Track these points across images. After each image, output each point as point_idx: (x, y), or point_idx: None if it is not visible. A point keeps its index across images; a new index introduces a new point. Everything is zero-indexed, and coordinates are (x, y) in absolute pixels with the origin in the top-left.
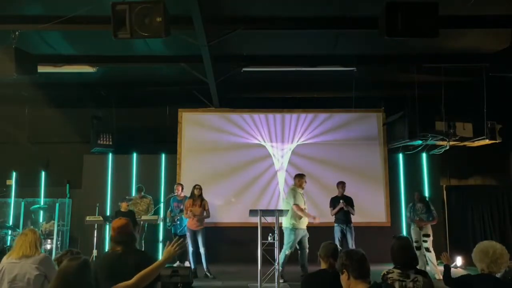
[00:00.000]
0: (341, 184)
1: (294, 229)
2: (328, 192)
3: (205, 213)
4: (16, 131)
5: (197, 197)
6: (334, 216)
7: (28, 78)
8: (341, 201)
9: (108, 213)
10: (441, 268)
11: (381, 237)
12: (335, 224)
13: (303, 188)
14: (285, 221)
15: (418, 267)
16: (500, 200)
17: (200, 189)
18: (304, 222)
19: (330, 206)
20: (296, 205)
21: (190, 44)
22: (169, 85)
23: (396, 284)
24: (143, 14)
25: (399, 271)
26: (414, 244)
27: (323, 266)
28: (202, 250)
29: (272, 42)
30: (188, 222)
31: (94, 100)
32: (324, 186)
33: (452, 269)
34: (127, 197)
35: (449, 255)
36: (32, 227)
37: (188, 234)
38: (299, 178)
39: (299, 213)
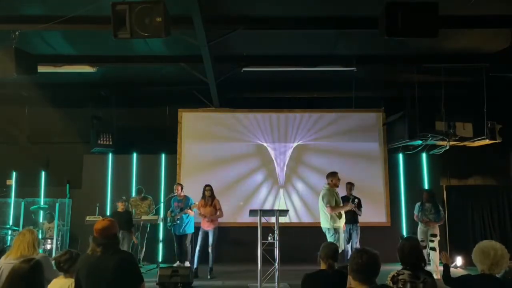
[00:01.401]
0: (350, 185)
1: (334, 228)
2: None
3: (218, 213)
4: (16, 131)
5: (208, 197)
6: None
7: (28, 78)
8: (354, 202)
9: (108, 213)
10: (442, 268)
11: (381, 237)
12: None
13: (337, 187)
14: (325, 222)
15: None
16: (500, 200)
17: (210, 189)
18: (342, 221)
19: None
20: (329, 206)
21: (190, 44)
22: (169, 85)
23: (408, 285)
24: (143, 14)
25: (409, 272)
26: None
27: (322, 266)
28: (210, 249)
29: (272, 42)
30: (201, 222)
31: (94, 100)
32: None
33: (452, 269)
34: (124, 197)
35: (449, 255)
36: (31, 227)
37: (200, 233)
38: (332, 177)
39: (335, 212)
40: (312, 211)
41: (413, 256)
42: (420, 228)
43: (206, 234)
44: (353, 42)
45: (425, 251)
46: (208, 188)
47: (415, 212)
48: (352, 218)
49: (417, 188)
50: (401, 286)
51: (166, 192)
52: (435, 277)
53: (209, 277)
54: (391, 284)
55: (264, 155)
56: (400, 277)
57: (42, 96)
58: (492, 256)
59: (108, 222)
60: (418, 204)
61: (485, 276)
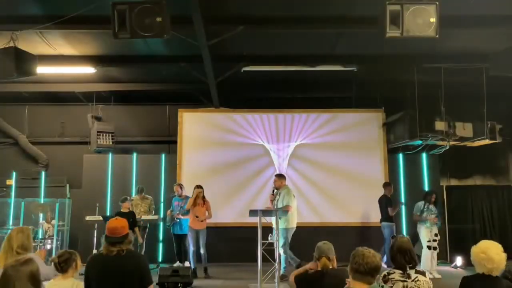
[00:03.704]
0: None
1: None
2: (328, 191)
3: (207, 214)
4: (16, 131)
5: (199, 197)
6: (389, 215)
7: (28, 78)
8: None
9: (108, 213)
10: (440, 268)
11: (381, 237)
12: (391, 223)
13: (276, 188)
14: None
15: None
16: (500, 200)
17: (199, 190)
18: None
19: (390, 206)
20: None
21: (190, 44)
22: (169, 85)
23: (399, 285)
24: (143, 14)
25: (400, 271)
26: (427, 244)
27: (319, 266)
28: (202, 250)
29: (272, 42)
30: (190, 222)
31: (94, 100)
32: (324, 186)
33: (452, 269)
34: (128, 197)
35: (449, 255)
36: (22, 225)
37: (189, 234)
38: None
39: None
40: (311, 210)
41: (402, 255)
42: (426, 228)
43: (196, 233)
44: (353, 42)
45: (434, 251)
46: (200, 190)
47: (417, 212)
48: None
49: (417, 188)
50: (392, 285)
51: (166, 192)
52: (437, 276)
53: (204, 276)
54: (382, 283)
55: (264, 155)
56: (391, 276)
57: (42, 96)
58: (489, 257)
59: (121, 221)
60: (420, 203)
61: (485, 276)
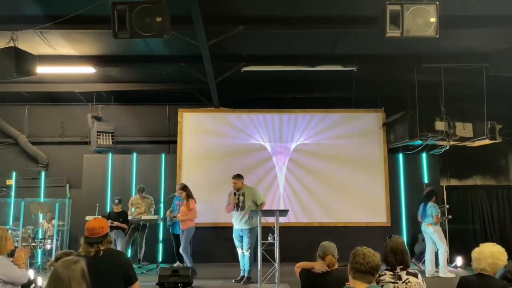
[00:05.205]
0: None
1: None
2: (326, 191)
3: (189, 213)
4: (16, 131)
5: (183, 198)
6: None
7: (28, 78)
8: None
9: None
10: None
11: (381, 237)
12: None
13: (234, 189)
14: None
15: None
16: (500, 200)
17: (180, 188)
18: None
19: None
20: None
21: (190, 44)
22: (169, 85)
23: (389, 286)
24: (143, 14)
25: (391, 273)
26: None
27: (325, 263)
28: (180, 249)
29: (272, 42)
30: None
31: (94, 100)
32: (323, 185)
33: (452, 269)
34: (116, 200)
35: (449, 255)
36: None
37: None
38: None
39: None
40: (311, 210)
41: (393, 254)
42: (441, 229)
43: (182, 233)
44: (353, 42)
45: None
46: (180, 190)
47: (435, 213)
48: None
49: (417, 189)
50: (382, 287)
51: (166, 192)
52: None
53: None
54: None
55: (264, 155)
56: (382, 277)
57: (43, 96)
58: (481, 250)
59: (100, 221)
60: (435, 203)
61: (481, 275)
